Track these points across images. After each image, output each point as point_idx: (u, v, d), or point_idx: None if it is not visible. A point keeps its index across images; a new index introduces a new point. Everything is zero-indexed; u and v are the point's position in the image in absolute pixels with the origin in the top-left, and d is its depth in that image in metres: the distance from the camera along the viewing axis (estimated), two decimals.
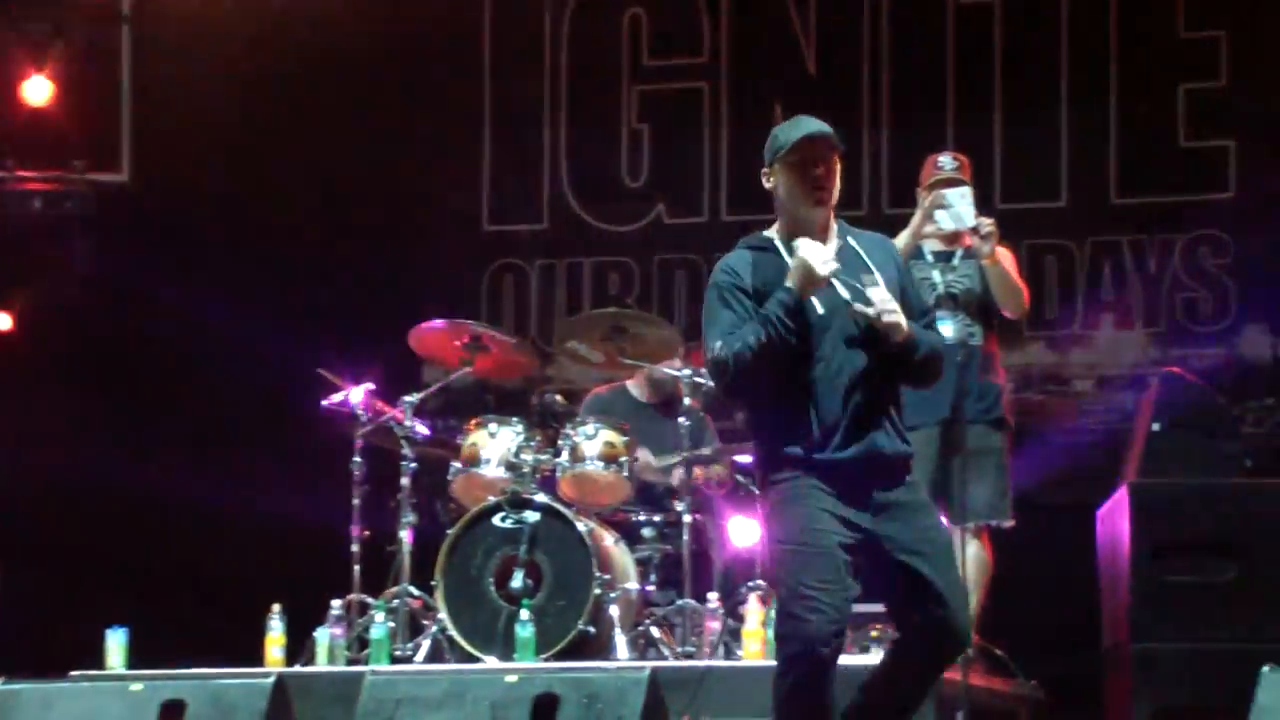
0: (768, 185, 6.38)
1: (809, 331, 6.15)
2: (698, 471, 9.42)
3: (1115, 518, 8.91)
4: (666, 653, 8.93)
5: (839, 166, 6.31)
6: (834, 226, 6.33)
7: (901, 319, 6.15)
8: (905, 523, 6.18)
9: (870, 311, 6.12)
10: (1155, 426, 8.87)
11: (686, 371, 9.36)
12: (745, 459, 9.65)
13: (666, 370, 9.65)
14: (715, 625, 8.82)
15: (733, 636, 8.81)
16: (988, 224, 8.53)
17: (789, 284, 6.11)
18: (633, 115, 12.22)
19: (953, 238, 8.68)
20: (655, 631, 9.05)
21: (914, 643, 6.28)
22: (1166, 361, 10.98)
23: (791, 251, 6.17)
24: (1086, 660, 9.33)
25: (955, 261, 8.73)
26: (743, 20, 12.06)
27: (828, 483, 6.14)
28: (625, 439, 9.31)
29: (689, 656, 8.81)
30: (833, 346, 6.17)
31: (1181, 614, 8.41)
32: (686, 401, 9.35)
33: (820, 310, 6.16)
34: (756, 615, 8.59)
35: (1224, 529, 8.50)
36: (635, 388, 10.07)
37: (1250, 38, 11.11)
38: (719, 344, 6.21)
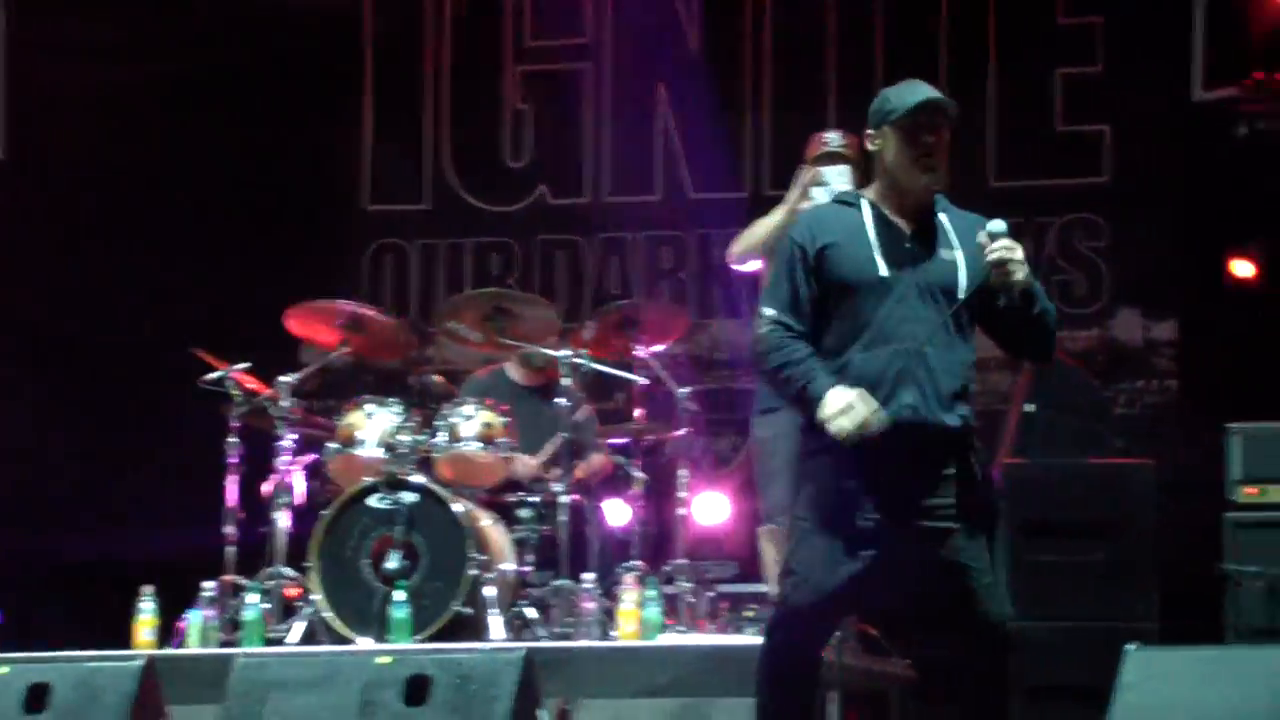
0: (872, 148, 6.14)
1: (864, 293, 5.98)
2: (578, 470, 9.40)
3: None
4: (542, 633, 8.91)
5: (949, 139, 6.12)
6: (935, 201, 6.13)
7: (1020, 261, 5.91)
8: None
9: (988, 239, 5.91)
10: (1029, 408, 8.94)
11: (566, 353, 9.33)
12: (623, 441, 9.66)
13: (546, 351, 9.62)
14: (591, 605, 8.81)
15: (608, 617, 8.81)
16: None
17: (822, 414, 5.89)
18: (515, 96, 12.18)
19: None
20: (531, 612, 9.03)
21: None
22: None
23: (878, 216, 6.04)
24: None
25: None
26: (625, 1, 12.03)
27: (859, 454, 5.92)
28: (504, 420, 9.29)
29: (565, 637, 8.81)
30: (889, 311, 5.97)
31: (1052, 594, 8.50)
32: (565, 383, 9.33)
33: (884, 272, 5.99)
34: (632, 595, 8.60)
35: (1094, 509, 8.60)
36: (514, 370, 10.04)
37: (1126, 24, 11.17)
38: (767, 326, 6.06)
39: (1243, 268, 10.07)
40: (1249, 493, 8.43)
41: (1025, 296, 5.95)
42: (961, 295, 5.97)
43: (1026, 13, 11.42)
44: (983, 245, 5.94)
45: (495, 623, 8.83)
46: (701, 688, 7.76)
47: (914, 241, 6.04)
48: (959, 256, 6.01)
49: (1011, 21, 11.44)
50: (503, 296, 9.74)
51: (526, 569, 9.27)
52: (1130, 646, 6.38)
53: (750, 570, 9.21)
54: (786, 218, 8.52)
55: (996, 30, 11.47)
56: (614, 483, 9.67)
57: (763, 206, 8.72)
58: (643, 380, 9.65)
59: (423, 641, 8.58)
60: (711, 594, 9.35)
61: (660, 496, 9.64)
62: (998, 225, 5.95)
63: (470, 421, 9.25)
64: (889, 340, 5.95)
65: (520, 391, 9.95)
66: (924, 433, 5.95)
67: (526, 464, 9.54)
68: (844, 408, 5.86)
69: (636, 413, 9.59)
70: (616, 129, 12.07)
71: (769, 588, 8.76)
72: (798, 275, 6.06)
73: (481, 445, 9.23)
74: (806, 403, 5.94)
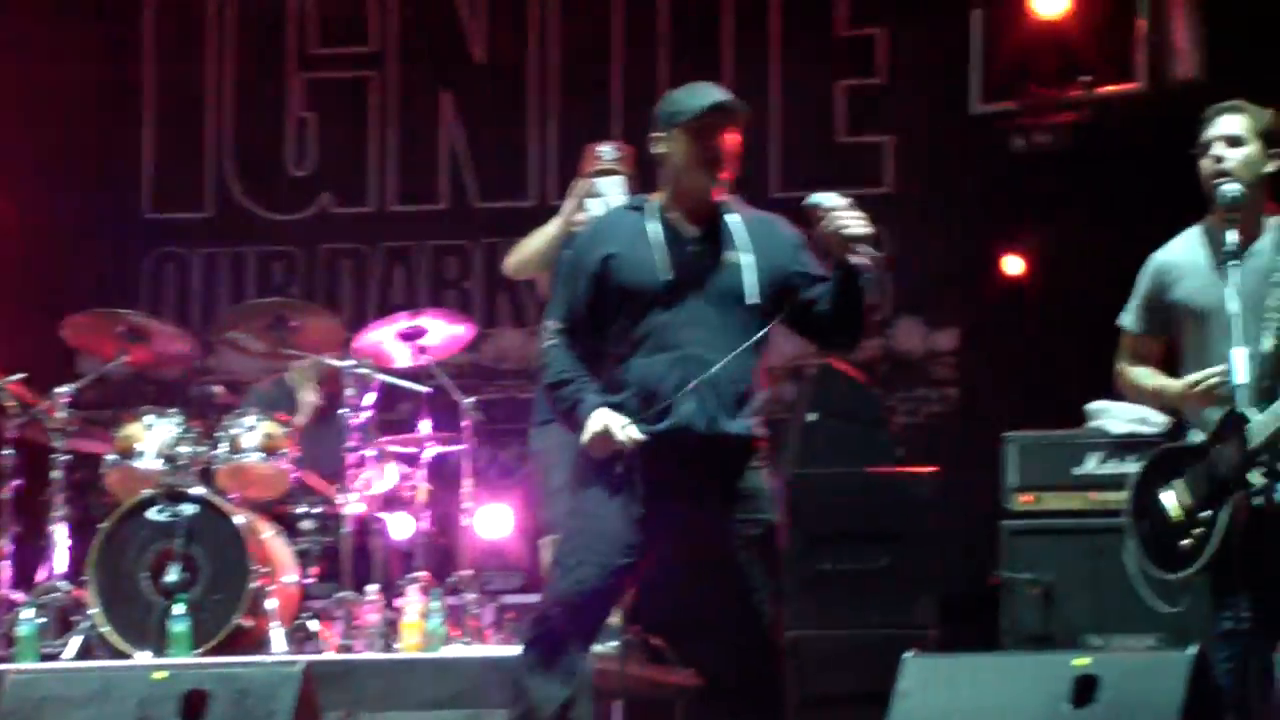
0: (658, 151, 6.09)
1: (646, 300, 5.96)
2: (360, 477, 9.34)
3: None
4: (325, 646, 8.85)
5: (739, 141, 6.07)
6: (723, 204, 6.08)
7: (855, 216, 5.93)
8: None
9: (825, 204, 5.92)
10: (810, 417, 9.01)
11: (350, 363, 9.28)
12: (409, 450, 9.61)
13: (330, 361, 9.56)
14: (374, 617, 8.77)
15: (391, 629, 8.77)
16: None
17: (583, 437, 5.94)
18: (299, 103, 12.07)
19: None
20: (314, 624, 8.97)
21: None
22: (825, 353, 11.14)
23: (664, 221, 6.02)
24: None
25: None
26: (410, 9, 11.98)
27: (638, 460, 5.92)
28: (285, 431, 9.22)
29: (347, 649, 8.75)
30: (671, 318, 5.95)
31: (833, 602, 8.59)
32: (349, 394, 9.27)
33: (666, 278, 5.96)
34: (415, 607, 8.57)
35: (876, 518, 8.69)
36: (293, 379, 9.95)
37: (905, 37, 11.31)
38: (548, 339, 6.09)
39: (1014, 264, 10.20)
40: (1025, 500, 8.55)
41: (865, 286, 5.96)
42: (749, 300, 5.96)
43: (808, 24, 11.51)
44: (818, 219, 5.92)
45: (277, 635, 8.75)
46: (485, 699, 7.74)
47: (700, 245, 6.02)
48: (747, 260, 5.99)
49: (793, 33, 11.53)
50: (285, 306, 9.66)
51: (309, 581, 9.20)
52: (909, 653, 6.46)
53: (534, 581, 9.20)
54: (560, 230, 8.54)
55: (780, 41, 11.55)
56: (398, 493, 9.62)
57: (549, 216, 8.72)
58: (427, 390, 9.62)
59: (203, 655, 8.48)
60: (496, 605, 9.34)
61: (444, 507, 9.61)
62: (822, 198, 5.96)
63: (252, 432, 9.17)
64: (671, 347, 5.93)
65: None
66: (703, 440, 5.95)
67: (320, 483, 9.47)
68: (600, 431, 5.89)
69: (421, 423, 9.54)
70: (402, 137, 12.01)
71: None
72: (579, 285, 6.07)
73: (263, 456, 9.15)
74: (574, 423, 5.98)
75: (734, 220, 6.07)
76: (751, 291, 5.97)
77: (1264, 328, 6.26)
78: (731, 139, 6.04)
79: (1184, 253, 6.50)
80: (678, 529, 5.99)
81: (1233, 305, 6.07)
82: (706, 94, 6.09)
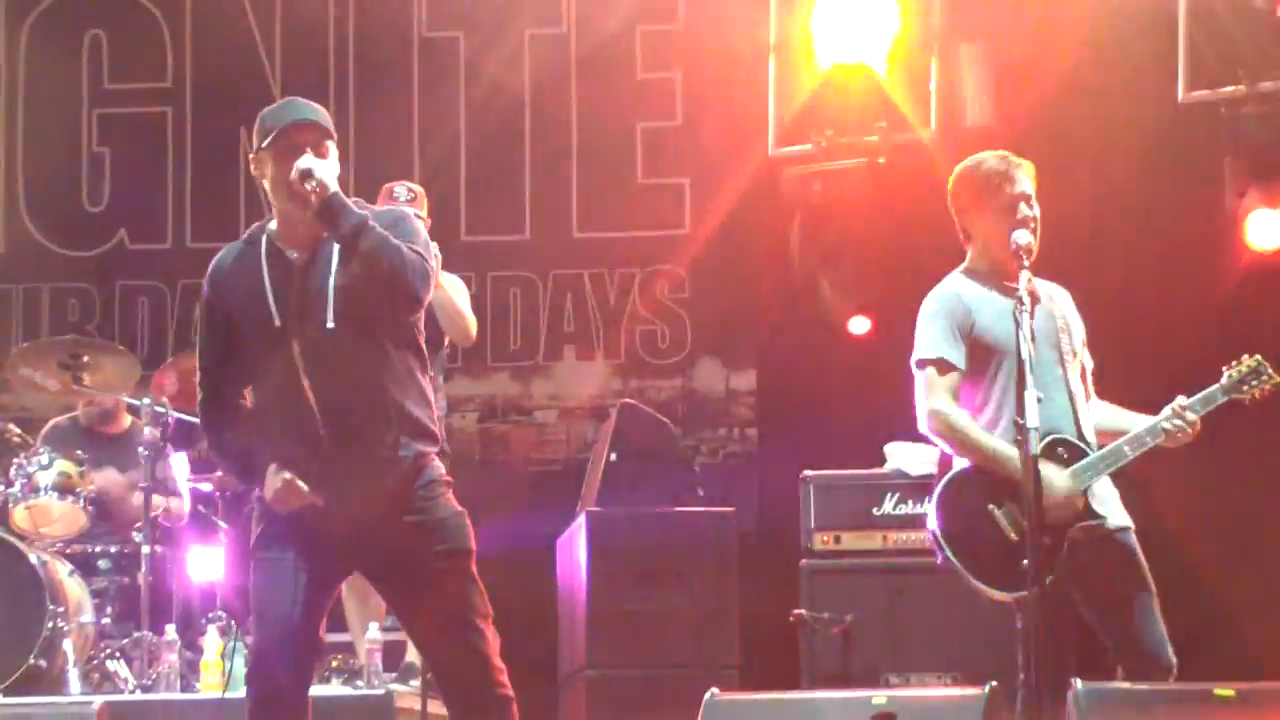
0: (255, 174, 5.80)
1: (264, 344, 5.73)
2: (156, 503, 9.25)
3: (573, 545, 9.08)
4: (123, 686, 8.75)
5: (333, 154, 5.71)
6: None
7: (328, 180, 5.56)
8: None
9: (298, 177, 5.56)
10: (612, 457, 9.06)
11: (146, 401, 9.21)
12: (206, 487, 9.55)
13: (126, 400, 9.48)
14: (173, 657, 8.69)
15: (190, 669, 8.70)
16: (434, 248, 8.54)
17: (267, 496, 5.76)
18: (93, 138, 11.94)
19: None
20: (111, 665, 8.87)
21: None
22: (626, 392, 11.23)
23: (273, 254, 5.72)
24: (546, 688, 9.46)
25: None
26: (206, 46, 11.90)
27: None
28: (81, 469, 9.12)
29: (146, 689, 8.66)
30: (296, 355, 5.68)
31: (634, 640, 8.62)
32: (146, 432, 9.19)
33: (276, 322, 5.71)
34: (215, 647, 8.51)
35: (675, 557, 8.74)
36: (93, 417, 9.83)
37: (702, 80, 11.42)
38: (200, 395, 5.91)
39: (811, 306, 10.33)
40: (824, 540, 8.64)
41: (328, 214, 5.60)
42: (330, 325, 5.69)
43: (607, 68, 11.59)
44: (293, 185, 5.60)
45: (73, 676, 8.64)
46: None
47: (308, 275, 5.74)
48: (335, 284, 5.71)
49: (593, 76, 11.60)
50: (79, 344, 9.57)
51: (105, 620, 9.10)
52: (710, 692, 6.51)
53: (335, 619, 9.15)
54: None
55: (578, 85, 11.62)
56: (198, 531, 9.54)
57: None
58: None
59: None
60: None
61: (245, 546, 9.52)
62: (304, 162, 5.59)
63: (47, 471, 9.09)
64: (301, 386, 5.69)
65: (99, 438, 9.76)
66: (358, 473, 5.75)
67: (113, 480, 9.38)
68: (279, 492, 5.72)
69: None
70: (198, 173, 11.92)
71: (353, 637, 8.74)
72: (215, 337, 5.88)
73: (59, 495, 9.04)
74: (252, 479, 5.83)
75: (334, 243, 5.73)
76: (331, 317, 5.69)
77: (1065, 370, 6.43)
78: (321, 149, 5.66)
79: (972, 288, 6.58)
80: (355, 557, 5.85)
81: (1025, 350, 6.16)
82: (288, 110, 5.77)
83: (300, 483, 5.73)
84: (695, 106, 11.52)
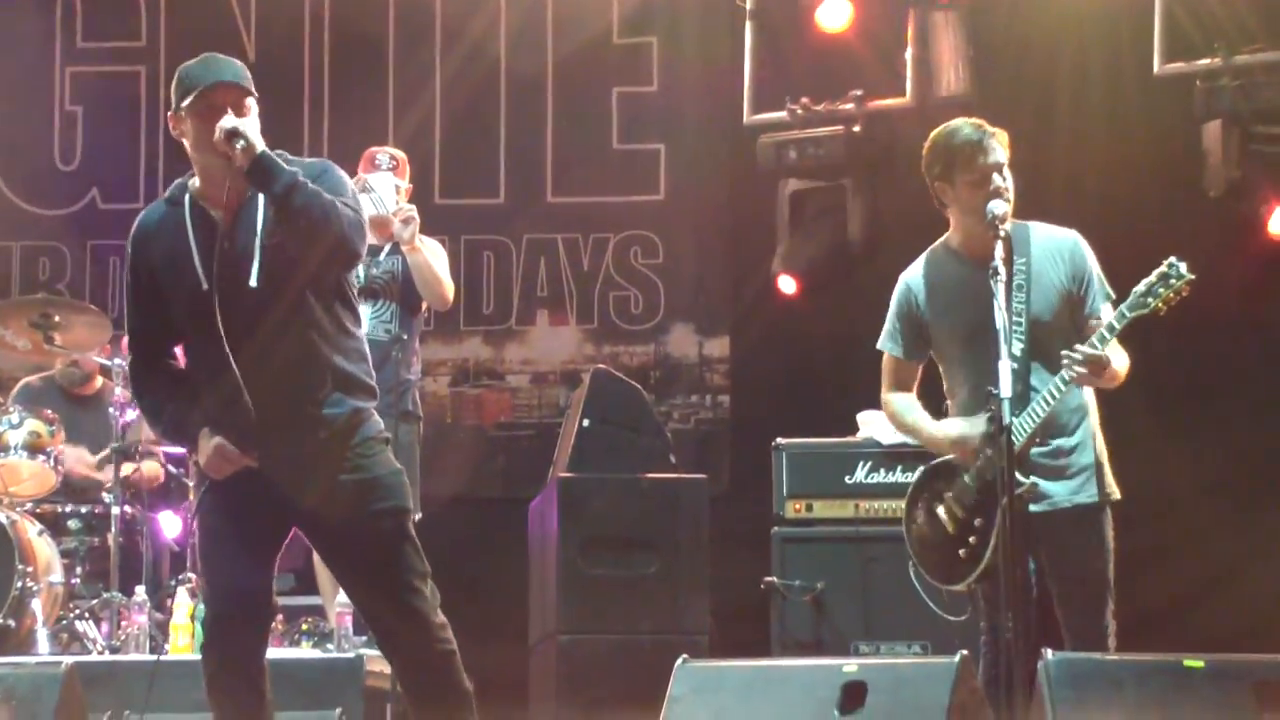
0: (174, 132, 5.71)
1: (195, 306, 5.64)
2: (129, 470, 9.23)
3: (545, 511, 9.07)
4: (91, 646, 8.74)
5: (253, 111, 5.65)
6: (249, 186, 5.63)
7: (255, 139, 5.49)
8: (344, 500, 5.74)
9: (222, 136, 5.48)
10: (584, 423, 9.04)
11: (118, 361, 9.18)
12: (177, 450, 9.52)
13: (96, 359, 9.45)
14: (142, 619, 8.67)
15: (160, 630, 8.69)
16: (408, 209, 8.58)
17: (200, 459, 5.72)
18: (66, 97, 11.88)
19: (378, 226, 8.69)
20: (80, 625, 8.85)
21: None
22: (599, 358, 11.23)
23: (197, 213, 5.63)
24: (517, 652, 9.46)
25: (381, 256, 8.72)
26: (180, 5, 11.86)
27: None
28: (52, 429, 9.10)
29: (115, 650, 8.65)
30: (223, 321, 5.58)
31: (605, 607, 8.62)
32: (118, 392, 9.17)
33: (204, 285, 5.61)
34: (185, 608, 8.48)
35: (647, 523, 8.73)
36: (64, 376, 9.82)
37: (678, 46, 11.40)
38: (129, 360, 5.92)
39: (785, 273, 10.33)
40: (796, 508, 8.65)
41: (258, 173, 5.51)
42: (254, 284, 5.60)
43: (583, 32, 11.56)
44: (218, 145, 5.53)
45: (41, 636, 8.63)
46: None
47: (233, 235, 5.65)
48: (259, 243, 5.61)
49: (568, 40, 11.57)
50: (50, 303, 9.53)
51: (75, 581, 9.08)
52: (681, 659, 6.52)
53: (307, 582, 9.15)
54: None
55: (554, 49, 11.59)
56: (167, 494, 9.53)
57: None
58: None
59: None
60: None
61: None
62: (228, 122, 5.54)
63: (17, 430, 9.07)
64: (231, 350, 5.62)
65: (71, 398, 9.75)
66: (291, 433, 5.70)
67: (83, 460, 9.36)
68: (210, 458, 5.68)
69: None
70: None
71: (324, 600, 8.74)
72: (140, 302, 5.79)
73: (29, 454, 9.02)
74: (186, 444, 5.81)
75: (259, 200, 5.66)
76: (257, 274, 5.60)
77: (1014, 334, 6.41)
78: (241, 114, 5.60)
79: (929, 274, 6.66)
80: (303, 517, 5.78)
81: (999, 319, 6.18)
82: (209, 70, 5.70)
83: (230, 447, 5.66)
84: (672, 73, 11.50)
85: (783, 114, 10.03)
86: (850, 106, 9.95)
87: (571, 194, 11.60)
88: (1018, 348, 6.39)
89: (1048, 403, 6.38)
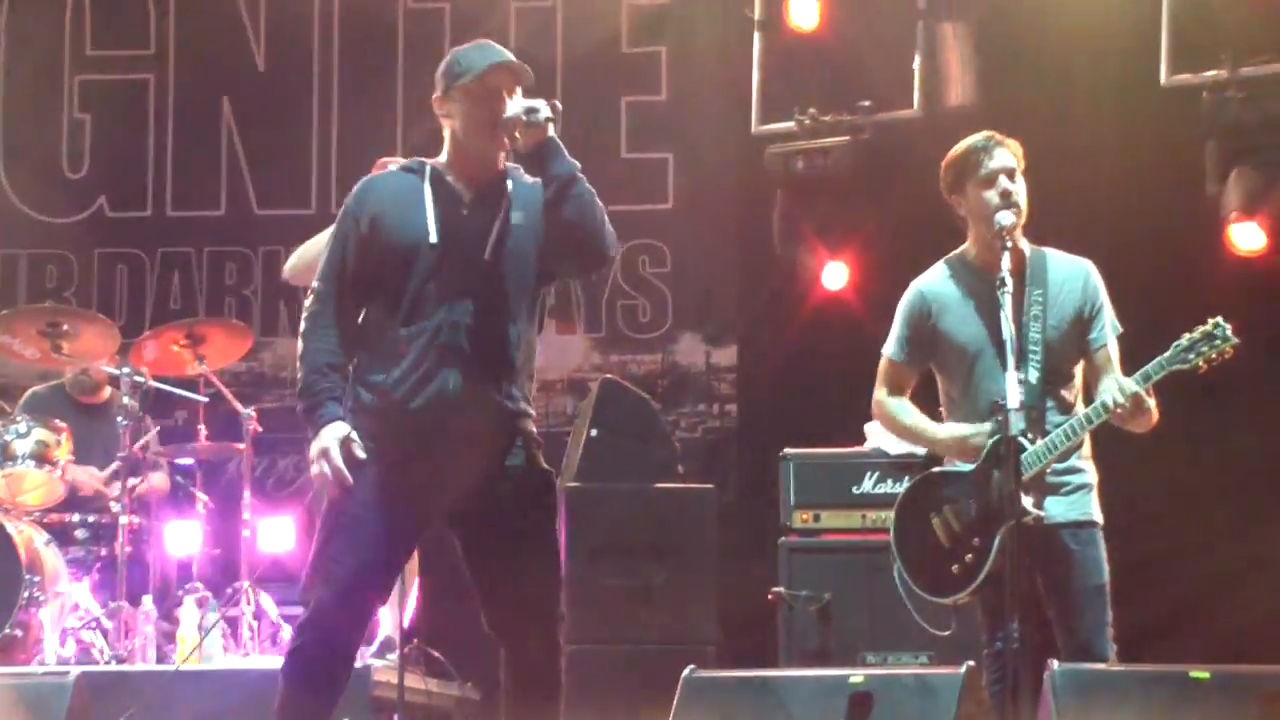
0: (439, 112, 5.90)
1: (413, 261, 5.76)
2: (137, 485, 9.23)
3: None
4: (98, 656, 8.75)
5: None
6: (506, 168, 5.91)
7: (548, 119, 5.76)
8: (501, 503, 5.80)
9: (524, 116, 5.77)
10: (593, 432, 9.05)
11: (126, 370, 9.18)
12: (185, 461, 9.53)
13: (105, 369, 9.46)
14: (149, 628, 8.69)
15: (167, 640, 8.70)
16: None
17: (312, 449, 5.74)
18: (74, 105, 11.90)
19: None
20: (87, 635, 8.86)
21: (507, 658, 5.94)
22: (607, 367, 11.24)
23: (439, 182, 5.82)
24: None
25: None
26: (190, 13, 11.87)
27: (401, 437, 5.74)
28: (60, 438, 9.11)
29: (122, 660, 8.66)
30: (439, 281, 5.74)
31: (613, 616, 8.63)
32: (126, 401, 9.17)
33: (433, 239, 5.76)
34: (192, 618, 8.50)
35: (655, 533, 8.75)
36: (72, 386, 9.82)
37: (687, 55, 11.41)
38: (311, 298, 5.87)
39: (793, 283, 10.30)
40: (803, 518, 8.65)
41: (548, 152, 5.82)
42: (488, 255, 5.77)
43: (592, 41, 11.57)
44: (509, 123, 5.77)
45: (49, 645, 8.64)
46: (262, 713, 7.65)
47: (474, 209, 5.84)
48: (518, 221, 5.82)
49: (577, 49, 11.58)
50: (58, 312, 9.54)
51: (83, 590, 9.09)
52: (688, 669, 6.53)
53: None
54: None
55: (563, 58, 11.60)
56: (176, 503, 9.53)
57: (328, 224, 8.66)
58: (204, 399, 9.55)
59: None
60: (274, 617, 9.28)
61: (223, 518, 9.54)
62: (526, 102, 5.86)
63: (25, 439, 9.07)
64: (433, 312, 5.74)
65: (78, 407, 9.75)
66: (470, 412, 5.75)
67: (92, 475, 9.37)
68: (321, 451, 5.73)
69: (199, 431, 9.46)
70: (179, 142, 11.88)
71: None
72: (349, 247, 5.84)
73: (37, 464, 9.03)
74: (313, 423, 5.78)
75: (516, 184, 5.91)
76: (491, 249, 5.78)
77: (1027, 360, 6.42)
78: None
79: (943, 284, 6.69)
80: (447, 508, 5.82)
81: (1006, 331, 6.20)
82: (489, 54, 5.93)
83: (356, 447, 5.70)
84: (680, 82, 11.51)
85: (790, 124, 10.03)
86: (858, 117, 9.95)
87: None
88: (1034, 375, 6.43)
89: (1072, 433, 6.38)
